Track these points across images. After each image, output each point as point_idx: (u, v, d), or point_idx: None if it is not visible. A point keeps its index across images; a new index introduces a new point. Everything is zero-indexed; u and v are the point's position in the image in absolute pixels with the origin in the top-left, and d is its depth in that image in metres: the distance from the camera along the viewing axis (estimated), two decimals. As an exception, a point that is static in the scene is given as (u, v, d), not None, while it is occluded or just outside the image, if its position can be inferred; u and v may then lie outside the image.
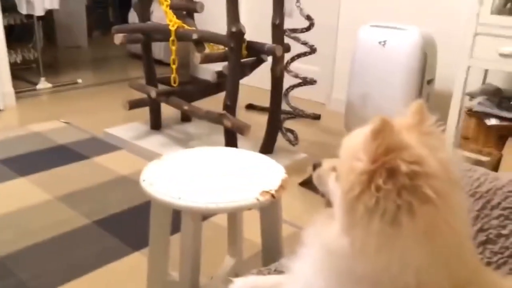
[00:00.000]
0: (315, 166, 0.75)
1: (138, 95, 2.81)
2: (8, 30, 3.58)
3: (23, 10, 3.54)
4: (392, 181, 0.55)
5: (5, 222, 1.92)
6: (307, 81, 2.42)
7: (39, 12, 3.60)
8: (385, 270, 0.57)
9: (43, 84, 3.81)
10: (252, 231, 1.81)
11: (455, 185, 0.60)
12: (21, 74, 3.88)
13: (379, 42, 2.50)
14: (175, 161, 1.29)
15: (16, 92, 3.44)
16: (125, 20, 4.88)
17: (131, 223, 1.96)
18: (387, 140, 0.56)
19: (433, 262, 0.58)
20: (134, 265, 1.69)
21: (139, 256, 1.74)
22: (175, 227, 1.28)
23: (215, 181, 1.18)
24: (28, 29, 4.04)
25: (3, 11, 3.31)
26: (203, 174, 1.21)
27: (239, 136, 2.36)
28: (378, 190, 0.56)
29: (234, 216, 1.41)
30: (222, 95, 2.41)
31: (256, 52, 2.34)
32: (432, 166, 0.57)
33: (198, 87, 2.77)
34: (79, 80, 4.03)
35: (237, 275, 1.48)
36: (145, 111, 2.86)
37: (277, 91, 2.45)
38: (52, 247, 1.78)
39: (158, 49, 4.31)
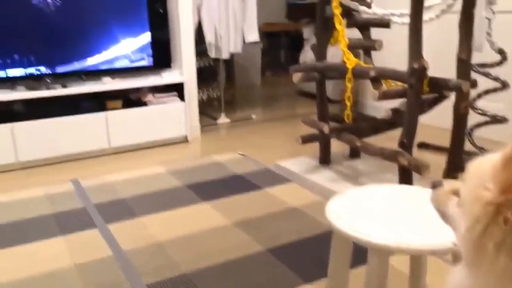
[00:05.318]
0: (434, 185, 0.71)
1: (304, 130, 2.90)
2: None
3: (212, 54, 4.01)
4: None
5: (189, 242, 2.13)
6: (496, 119, 2.20)
7: (225, 55, 4.04)
8: None
9: (223, 119, 4.21)
10: (434, 277, 1.67)
11: None
12: (205, 110, 4.36)
13: None
14: (357, 197, 1.28)
15: (201, 126, 3.87)
16: (294, 60, 5.15)
17: (301, 254, 1.99)
18: None
19: None
20: (305, 297, 1.70)
21: (310, 288, 1.75)
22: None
23: (404, 219, 1.13)
24: (212, 71, 4.54)
25: (196, 55, 3.79)
26: (388, 212, 1.18)
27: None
28: (506, 223, 0.51)
29: (419, 259, 1.33)
30: (390, 132, 2.33)
31: (439, 89, 2.22)
32: None
33: (371, 124, 2.74)
34: (253, 116, 4.35)
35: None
36: (313, 146, 2.93)
37: (459, 129, 2.28)
38: (229, 269, 1.90)
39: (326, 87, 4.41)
